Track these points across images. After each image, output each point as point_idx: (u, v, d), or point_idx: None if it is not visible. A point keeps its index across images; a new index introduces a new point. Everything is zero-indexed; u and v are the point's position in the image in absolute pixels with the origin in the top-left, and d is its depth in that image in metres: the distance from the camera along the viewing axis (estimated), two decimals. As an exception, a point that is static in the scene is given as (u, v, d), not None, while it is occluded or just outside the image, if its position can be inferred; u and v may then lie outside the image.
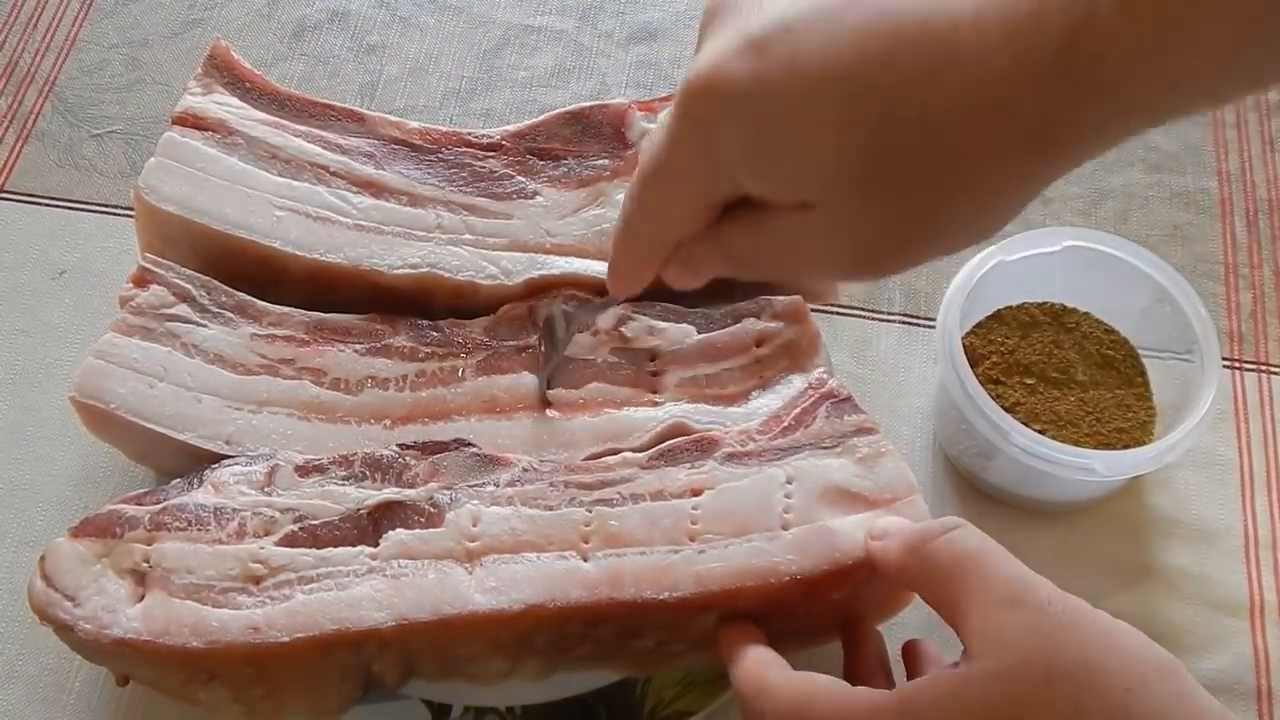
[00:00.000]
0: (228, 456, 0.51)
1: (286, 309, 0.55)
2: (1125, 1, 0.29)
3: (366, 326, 0.54)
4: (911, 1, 0.32)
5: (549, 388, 0.53)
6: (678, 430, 0.51)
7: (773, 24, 0.33)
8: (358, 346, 0.54)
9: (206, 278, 0.55)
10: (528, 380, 0.53)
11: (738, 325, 0.55)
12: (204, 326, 0.54)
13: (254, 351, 0.53)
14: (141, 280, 0.54)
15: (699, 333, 0.54)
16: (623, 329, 0.54)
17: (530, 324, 0.54)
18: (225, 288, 0.55)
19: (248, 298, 0.55)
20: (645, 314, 0.55)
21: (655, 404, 0.53)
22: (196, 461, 0.51)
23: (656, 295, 0.55)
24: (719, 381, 0.53)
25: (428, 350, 0.54)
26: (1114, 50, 0.30)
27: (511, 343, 0.54)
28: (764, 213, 0.37)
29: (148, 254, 0.55)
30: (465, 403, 0.53)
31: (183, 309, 0.54)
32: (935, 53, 0.31)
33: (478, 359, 0.54)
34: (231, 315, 0.54)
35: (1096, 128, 0.32)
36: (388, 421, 0.52)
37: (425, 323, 0.55)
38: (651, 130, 0.38)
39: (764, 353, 0.54)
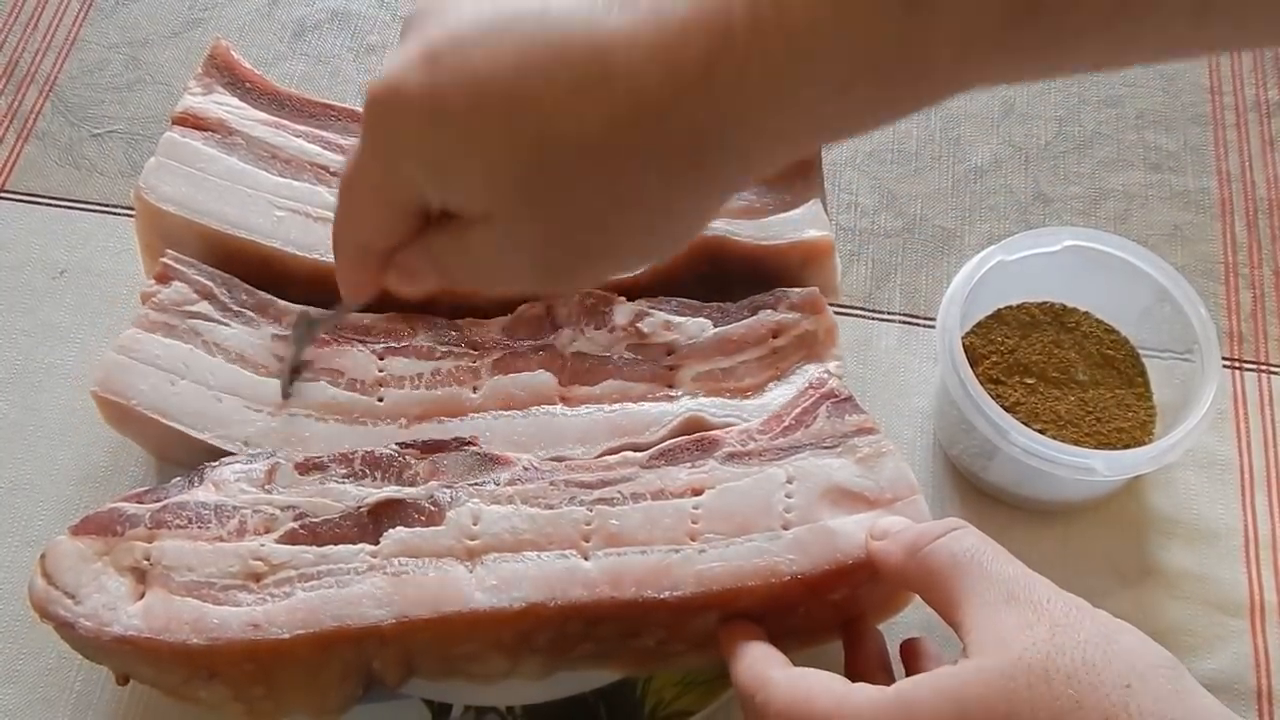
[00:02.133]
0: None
1: (307, 310, 0.55)
2: (756, 29, 0.31)
3: (386, 326, 0.54)
4: (574, 18, 0.33)
5: (285, 395, 0.52)
6: (694, 424, 0.51)
7: (447, 35, 0.34)
8: (376, 346, 0.54)
9: (228, 275, 0.55)
10: (544, 378, 0.53)
11: (754, 318, 0.54)
12: (226, 325, 0.54)
13: (275, 354, 0.53)
14: (164, 277, 0.54)
15: (715, 326, 0.54)
16: (639, 325, 0.54)
17: (549, 323, 0.54)
18: (246, 286, 0.55)
19: (269, 297, 0.55)
20: (661, 309, 0.55)
21: (671, 398, 0.53)
22: (212, 459, 0.51)
23: (666, 291, 0.55)
24: (735, 375, 0.53)
25: (444, 349, 0.54)
26: (750, 76, 0.32)
27: (529, 342, 0.54)
28: (460, 224, 0.37)
29: (170, 250, 0.55)
30: (481, 401, 0.53)
31: (204, 306, 0.54)
32: (590, 68, 0.32)
33: (494, 358, 0.54)
34: (252, 314, 0.54)
35: (743, 153, 0.34)
36: (404, 421, 0.52)
37: (443, 322, 0.55)
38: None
39: (780, 344, 0.54)
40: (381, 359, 0.54)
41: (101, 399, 0.52)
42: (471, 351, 0.54)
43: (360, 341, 0.54)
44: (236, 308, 0.54)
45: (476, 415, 0.52)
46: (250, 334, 0.54)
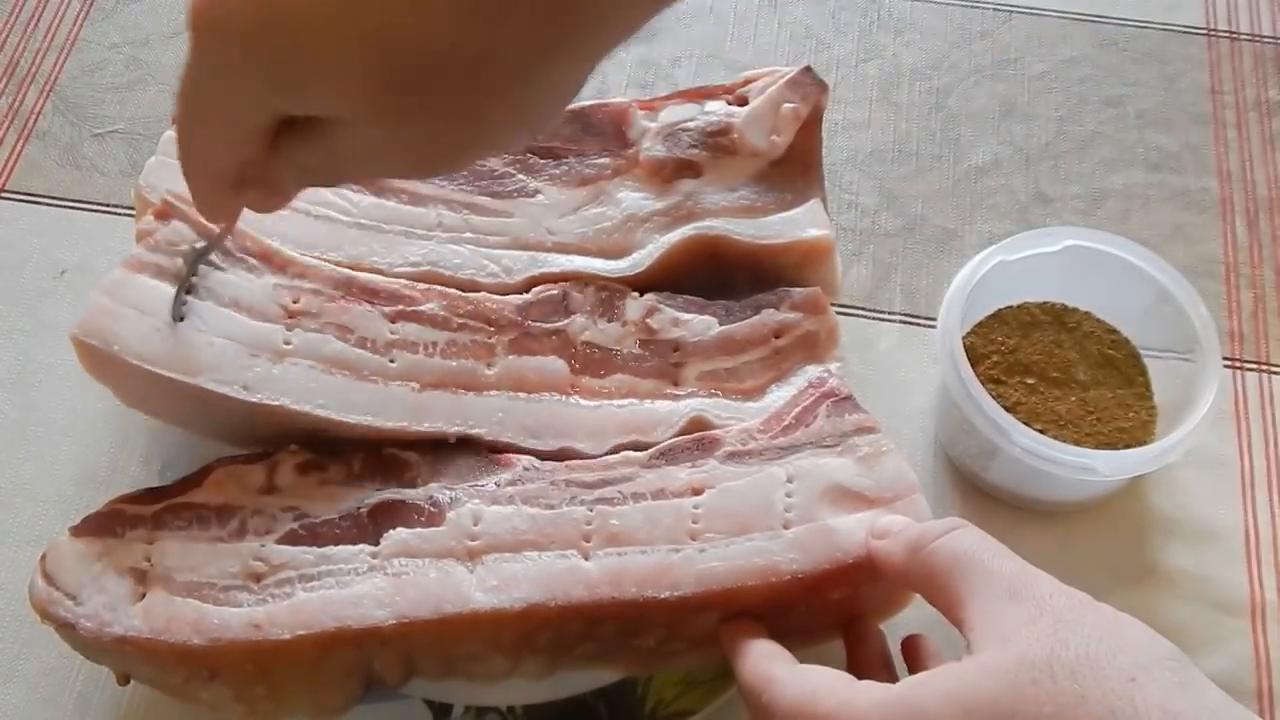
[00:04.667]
0: (239, 403, 0.49)
1: (316, 261, 0.54)
2: None
3: (396, 290, 0.54)
4: None
5: (176, 318, 0.51)
6: (697, 424, 0.51)
7: None
8: (386, 309, 0.53)
9: None
10: (557, 365, 0.53)
11: (757, 317, 0.54)
12: (222, 270, 0.52)
13: (276, 302, 0.52)
14: (164, 214, 0.53)
15: (720, 324, 0.54)
16: (649, 320, 0.54)
17: (563, 308, 0.54)
18: (250, 233, 0.53)
19: (273, 245, 0.53)
20: (669, 305, 0.55)
21: (677, 398, 0.53)
22: (201, 409, 0.50)
23: (675, 288, 0.55)
24: (738, 375, 0.53)
25: (460, 320, 0.53)
26: None
27: (544, 325, 0.54)
28: (320, 126, 0.36)
29: (170, 189, 0.53)
30: (496, 379, 0.52)
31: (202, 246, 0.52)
32: None
33: (510, 337, 0.53)
34: (255, 262, 0.53)
35: (608, 9, 0.33)
36: (416, 385, 0.51)
37: (456, 291, 0.54)
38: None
39: (782, 344, 0.54)
40: (393, 322, 0.53)
41: (80, 343, 0.50)
42: (487, 326, 0.53)
43: (368, 302, 0.53)
44: (238, 254, 0.53)
45: (492, 393, 0.52)
46: (249, 280, 0.52)
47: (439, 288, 0.54)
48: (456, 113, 0.35)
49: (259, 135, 0.38)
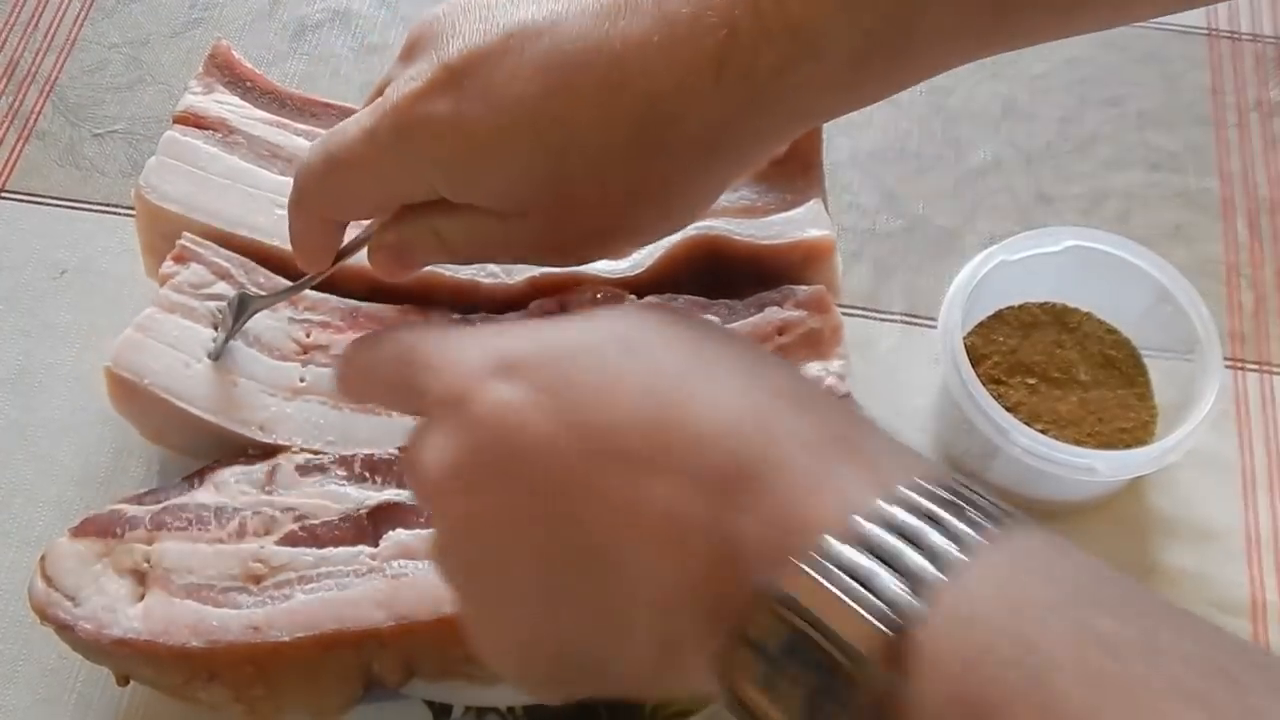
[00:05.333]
0: (255, 443, 0.50)
1: (323, 294, 0.54)
2: (760, 25, 0.33)
3: (401, 317, 0.54)
4: (587, 29, 0.35)
5: (214, 358, 0.52)
6: None
7: (468, 57, 0.36)
8: None
9: (244, 258, 0.54)
10: None
11: (760, 315, 0.54)
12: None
13: (290, 337, 0.53)
14: (181, 258, 0.54)
15: (723, 323, 0.54)
16: None
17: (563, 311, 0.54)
18: (264, 269, 0.54)
19: (286, 281, 0.54)
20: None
21: None
22: (218, 444, 0.50)
23: (676, 289, 0.55)
24: None
25: None
26: (757, 70, 0.34)
27: None
28: (473, 211, 0.38)
29: (187, 232, 0.55)
30: None
31: (222, 288, 0.53)
32: (610, 77, 0.35)
33: None
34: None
35: (754, 138, 0.37)
36: None
37: (458, 315, 0.54)
38: (344, 123, 0.39)
39: (785, 341, 0.54)
40: None
41: (114, 375, 0.51)
42: None
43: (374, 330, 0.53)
44: (254, 291, 0.54)
45: None
46: (266, 316, 0.53)
47: (444, 310, 0.54)
48: (610, 207, 0.38)
49: (399, 204, 0.39)
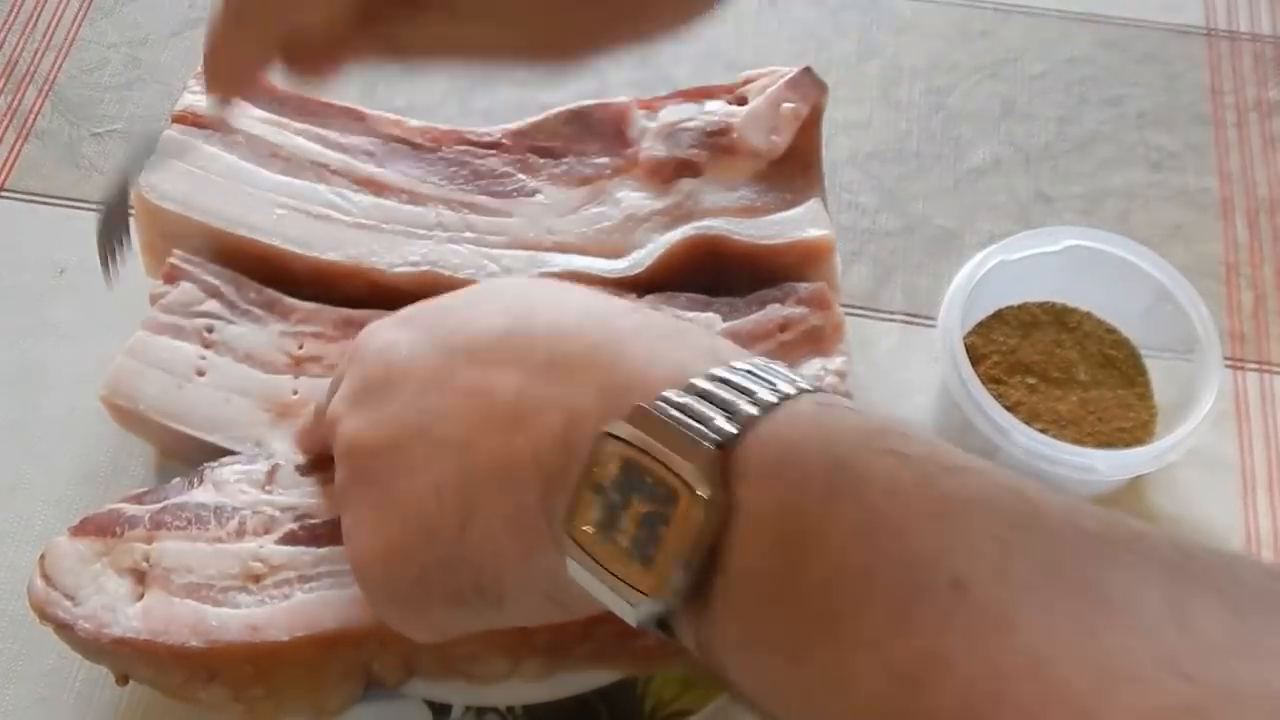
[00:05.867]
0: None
1: (316, 305, 0.54)
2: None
3: None
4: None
5: (106, 269, 0.50)
6: None
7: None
8: None
9: (235, 273, 0.55)
10: None
11: (762, 312, 0.54)
12: (233, 324, 0.54)
13: (282, 351, 0.53)
14: (171, 277, 0.54)
15: (724, 320, 0.54)
16: None
17: None
18: (255, 284, 0.55)
19: (276, 294, 0.54)
20: (671, 304, 0.54)
21: None
22: (225, 455, 0.51)
23: (676, 288, 0.55)
24: None
25: None
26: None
27: None
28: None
29: (177, 250, 0.55)
30: None
31: (213, 305, 0.54)
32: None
33: None
34: (260, 312, 0.54)
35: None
36: None
37: None
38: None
39: (787, 339, 0.54)
40: None
41: (110, 403, 0.52)
42: None
43: None
44: (245, 305, 0.54)
45: None
46: (257, 331, 0.53)
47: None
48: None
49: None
